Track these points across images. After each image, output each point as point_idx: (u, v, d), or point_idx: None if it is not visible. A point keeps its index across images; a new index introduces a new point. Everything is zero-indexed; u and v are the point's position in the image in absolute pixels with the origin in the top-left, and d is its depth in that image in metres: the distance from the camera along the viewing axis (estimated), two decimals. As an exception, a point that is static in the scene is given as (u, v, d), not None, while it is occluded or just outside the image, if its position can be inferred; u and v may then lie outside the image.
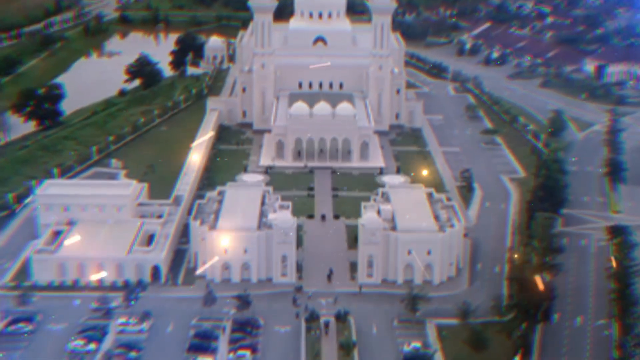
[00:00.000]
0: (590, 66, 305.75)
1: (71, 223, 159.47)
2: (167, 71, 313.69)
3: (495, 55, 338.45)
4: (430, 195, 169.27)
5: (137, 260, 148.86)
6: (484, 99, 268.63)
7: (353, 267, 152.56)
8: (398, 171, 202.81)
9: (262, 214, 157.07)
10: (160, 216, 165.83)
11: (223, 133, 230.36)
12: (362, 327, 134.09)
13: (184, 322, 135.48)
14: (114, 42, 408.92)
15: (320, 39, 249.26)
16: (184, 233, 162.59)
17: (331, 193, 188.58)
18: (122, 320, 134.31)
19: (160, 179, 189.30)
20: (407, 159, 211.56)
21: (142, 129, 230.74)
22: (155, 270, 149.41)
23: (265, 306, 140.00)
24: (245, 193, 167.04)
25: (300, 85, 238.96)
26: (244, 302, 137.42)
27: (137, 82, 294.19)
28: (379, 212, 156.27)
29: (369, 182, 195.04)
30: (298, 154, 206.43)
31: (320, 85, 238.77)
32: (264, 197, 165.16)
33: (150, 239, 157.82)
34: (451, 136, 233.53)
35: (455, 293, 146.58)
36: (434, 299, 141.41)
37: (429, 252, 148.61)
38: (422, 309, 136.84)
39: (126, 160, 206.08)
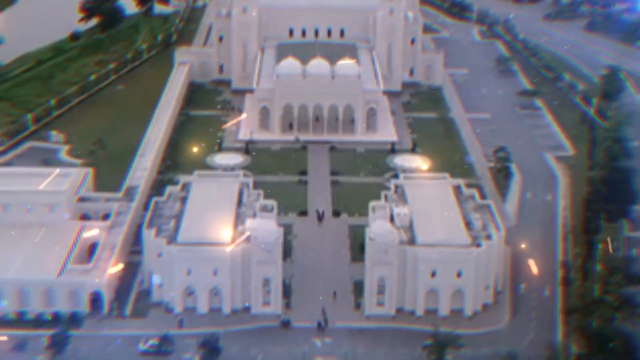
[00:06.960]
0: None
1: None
2: (131, 8, 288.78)
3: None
4: (458, 189, 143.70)
5: (71, 285, 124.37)
6: (517, 48, 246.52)
7: (358, 288, 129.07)
8: (414, 148, 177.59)
9: (238, 218, 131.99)
10: (106, 216, 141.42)
11: (194, 94, 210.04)
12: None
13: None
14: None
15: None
16: (138, 237, 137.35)
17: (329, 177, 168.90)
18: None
19: (111, 159, 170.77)
20: (425, 130, 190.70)
21: (92, 89, 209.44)
22: (96, 297, 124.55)
23: (240, 350, 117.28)
24: (216, 187, 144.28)
25: (291, 32, 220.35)
26: (210, 348, 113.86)
27: (94, 22, 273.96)
28: (392, 217, 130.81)
29: (377, 162, 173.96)
30: (290, 126, 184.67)
31: (317, 32, 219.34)
32: (241, 194, 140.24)
33: (91, 250, 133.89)
34: (479, 97, 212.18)
35: (494, 330, 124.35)
36: (466, 337, 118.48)
37: (459, 274, 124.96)
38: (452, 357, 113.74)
39: (70, 132, 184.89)
